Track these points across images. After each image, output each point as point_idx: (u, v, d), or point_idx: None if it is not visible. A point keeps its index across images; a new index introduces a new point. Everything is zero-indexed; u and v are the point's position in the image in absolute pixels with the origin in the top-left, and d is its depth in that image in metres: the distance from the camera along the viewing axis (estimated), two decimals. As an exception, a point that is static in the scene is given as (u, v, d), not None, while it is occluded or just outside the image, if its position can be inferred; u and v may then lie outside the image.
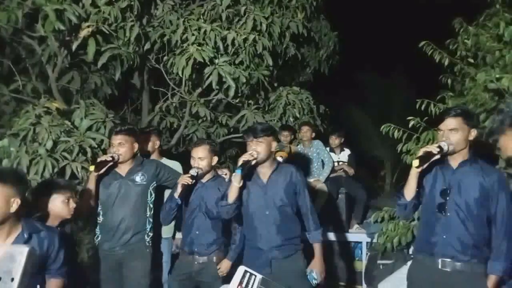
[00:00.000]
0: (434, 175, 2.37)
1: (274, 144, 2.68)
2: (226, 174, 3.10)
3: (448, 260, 2.27)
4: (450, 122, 2.26)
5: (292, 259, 2.67)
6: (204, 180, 2.98)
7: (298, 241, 2.72)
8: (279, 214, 2.67)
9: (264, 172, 2.71)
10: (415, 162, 2.24)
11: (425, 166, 2.26)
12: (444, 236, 2.28)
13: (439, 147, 2.24)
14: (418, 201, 2.42)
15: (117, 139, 2.96)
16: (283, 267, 2.63)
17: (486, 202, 2.26)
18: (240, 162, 2.57)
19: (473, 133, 2.27)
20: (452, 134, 2.25)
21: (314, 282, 2.66)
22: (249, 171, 2.66)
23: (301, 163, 4.45)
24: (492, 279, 2.22)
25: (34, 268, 1.32)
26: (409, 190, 2.36)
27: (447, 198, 2.29)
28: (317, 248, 2.72)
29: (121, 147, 2.96)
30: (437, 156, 2.24)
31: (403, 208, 2.43)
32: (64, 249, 2.17)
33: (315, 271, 2.66)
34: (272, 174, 2.71)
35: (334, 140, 5.05)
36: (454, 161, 2.33)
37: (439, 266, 2.27)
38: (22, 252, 1.19)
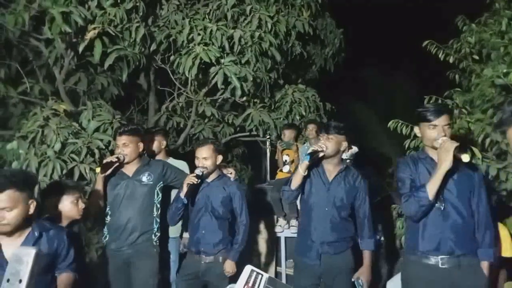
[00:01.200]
0: (421, 173, 2.36)
1: (345, 144, 2.77)
2: (231, 173, 3.11)
3: (447, 257, 2.27)
4: (446, 118, 2.29)
5: (342, 256, 2.77)
6: (209, 179, 3.00)
7: (350, 239, 2.81)
8: (337, 213, 2.76)
9: (331, 170, 2.80)
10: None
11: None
12: (442, 233, 2.28)
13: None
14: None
15: (121, 139, 2.98)
16: (332, 262, 2.73)
17: (472, 192, 2.33)
18: (310, 150, 2.65)
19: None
20: (447, 129, 2.29)
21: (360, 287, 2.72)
22: (316, 165, 2.77)
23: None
24: (486, 266, 2.29)
25: (42, 269, 1.33)
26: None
27: (442, 195, 2.29)
28: (367, 256, 2.78)
29: (125, 147, 2.98)
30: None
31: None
32: (73, 248, 2.20)
33: (362, 278, 2.72)
34: (338, 174, 2.79)
35: None
36: (436, 156, 2.31)
37: (439, 265, 2.27)
38: (29, 254, 1.21)
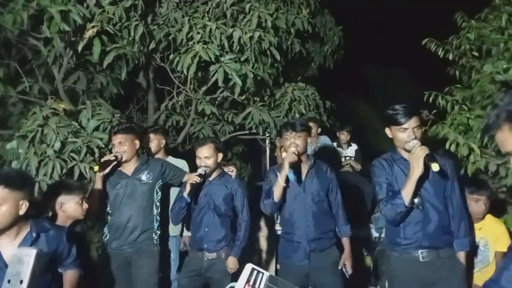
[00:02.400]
0: (396, 175, 2.40)
1: (309, 139, 2.87)
2: (232, 171, 3.13)
3: (427, 250, 2.34)
4: (416, 120, 2.33)
5: (329, 252, 2.84)
6: (210, 178, 3.02)
7: (333, 235, 2.88)
8: (317, 208, 2.81)
9: (302, 168, 2.81)
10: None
11: None
12: (420, 229, 2.35)
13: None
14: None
15: (117, 138, 3.00)
16: (321, 259, 2.78)
17: (446, 187, 2.39)
18: (286, 163, 2.62)
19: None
20: (417, 131, 2.32)
21: (347, 274, 2.88)
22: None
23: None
24: (462, 255, 2.38)
25: (43, 269, 1.33)
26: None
27: (420, 191, 2.33)
28: (346, 242, 2.92)
29: (121, 146, 3.00)
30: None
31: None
32: (76, 247, 2.20)
33: (347, 264, 2.85)
34: (309, 171, 2.83)
35: (342, 136, 5.06)
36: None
37: (420, 259, 2.34)
38: (30, 255, 1.21)
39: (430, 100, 3.39)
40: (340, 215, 2.90)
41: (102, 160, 2.93)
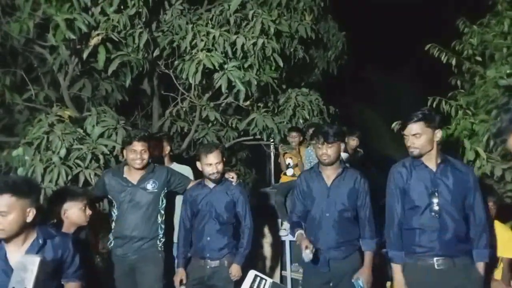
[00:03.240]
0: (414, 182, 2.41)
1: (343, 147, 2.78)
2: (232, 178, 3.08)
3: (442, 258, 2.32)
4: (413, 128, 2.35)
5: (350, 259, 2.76)
6: (211, 185, 2.99)
7: (357, 242, 2.79)
8: (339, 217, 2.74)
9: (329, 174, 2.78)
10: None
11: None
12: (436, 237, 2.33)
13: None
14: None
15: (141, 145, 2.93)
16: (341, 267, 2.72)
17: (465, 197, 2.37)
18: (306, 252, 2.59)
19: (438, 134, 2.36)
20: (416, 138, 2.34)
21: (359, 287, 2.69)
22: (314, 172, 2.82)
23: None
24: (481, 266, 2.35)
25: (49, 276, 1.34)
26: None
27: (436, 200, 2.34)
28: (368, 256, 2.75)
29: (145, 153, 2.95)
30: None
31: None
32: (80, 254, 2.21)
33: (362, 279, 2.68)
34: (337, 178, 2.77)
35: (352, 142, 5.01)
36: (431, 164, 2.39)
37: (435, 266, 2.33)
38: (34, 262, 1.22)
39: (434, 105, 3.39)
40: (367, 227, 2.74)
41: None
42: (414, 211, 2.40)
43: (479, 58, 3.57)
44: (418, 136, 2.33)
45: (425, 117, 2.34)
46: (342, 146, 2.75)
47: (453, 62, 3.59)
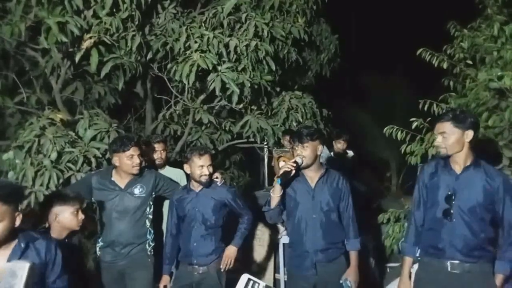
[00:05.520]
0: (437, 181, 2.40)
1: (320, 148, 2.75)
2: (217, 178, 3.05)
3: (457, 262, 2.30)
4: (440, 127, 2.32)
5: (336, 262, 2.76)
6: (197, 189, 2.97)
7: (342, 245, 2.79)
8: (325, 218, 2.74)
9: (312, 176, 2.77)
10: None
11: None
12: (451, 241, 2.31)
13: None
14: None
15: (136, 150, 2.91)
16: (328, 269, 2.72)
17: (491, 205, 2.29)
18: (280, 172, 2.62)
19: (469, 134, 2.27)
20: (444, 138, 2.30)
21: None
22: (296, 174, 2.75)
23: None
24: (499, 278, 2.29)
25: (36, 282, 1.33)
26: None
27: (452, 203, 2.32)
28: (353, 256, 2.77)
29: (138, 159, 2.92)
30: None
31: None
32: (68, 260, 2.17)
33: (349, 279, 2.71)
34: (320, 179, 2.76)
35: (339, 145, 5.08)
36: (457, 166, 2.35)
37: (449, 269, 2.31)
38: (23, 268, 1.21)
39: (425, 108, 3.41)
40: (351, 227, 2.78)
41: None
42: (431, 210, 2.40)
43: (470, 62, 3.61)
44: (446, 136, 2.29)
45: (454, 117, 2.29)
46: (320, 147, 2.73)
47: (444, 65, 3.62)
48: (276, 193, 2.66)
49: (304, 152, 2.67)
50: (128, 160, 2.90)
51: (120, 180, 2.98)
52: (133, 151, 2.90)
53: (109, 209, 2.95)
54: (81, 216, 2.54)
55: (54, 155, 3.16)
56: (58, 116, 3.47)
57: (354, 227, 2.79)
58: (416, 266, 2.55)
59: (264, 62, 4.37)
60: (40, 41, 3.63)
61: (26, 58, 4.22)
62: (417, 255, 2.49)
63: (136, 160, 2.91)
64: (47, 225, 2.51)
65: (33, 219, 2.64)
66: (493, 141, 3.07)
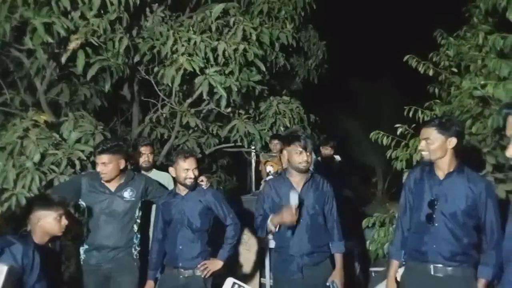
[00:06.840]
0: (421, 187, 2.43)
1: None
2: (202, 181, 3.02)
3: (440, 266, 2.33)
4: (424, 132, 2.36)
5: (322, 266, 2.77)
6: (183, 193, 2.95)
7: (327, 249, 2.81)
8: (311, 222, 2.74)
9: (297, 181, 2.77)
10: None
11: None
12: (434, 246, 2.34)
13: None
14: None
15: (101, 159, 2.84)
16: (314, 273, 2.72)
17: (474, 211, 2.32)
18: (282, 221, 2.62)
19: (452, 141, 2.30)
20: (427, 143, 2.34)
21: None
22: (282, 179, 2.82)
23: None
24: (482, 283, 2.30)
25: (15, 285, 1.30)
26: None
27: (435, 208, 2.35)
28: (338, 258, 2.79)
29: (105, 166, 2.84)
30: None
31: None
32: (51, 264, 2.13)
33: (336, 281, 2.73)
34: (306, 184, 2.77)
35: (326, 151, 5.10)
36: (440, 172, 2.39)
37: (432, 272, 2.34)
38: (1, 271, 1.18)
39: (410, 114, 3.45)
40: (335, 230, 2.80)
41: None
42: (416, 215, 2.44)
43: (455, 69, 3.66)
44: (429, 142, 2.32)
45: (440, 124, 2.32)
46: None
47: (430, 73, 3.67)
48: (272, 229, 2.69)
49: (309, 159, 2.71)
50: (98, 166, 2.86)
51: (110, 183, 2.94)
52: (100, 158, 2.85)
53: (98, 211, 2.90)
54: (64, 221, 2.47)
55: (37, 157, 3.11)
56: (42, 117, 3.42)
57: (338, 229, 2.82)
58: (401, 270, 2.57)
59: (253, 64, 4.38)
60: (25, 42, 3.58)
61: (11, 59, 4.16)
62: (403, 259, 2.53)
63: (101, 168, 2.85)
64: (28, 228, 2.46)
65: (13, 222, 2.58)
66: (476, 147, 3.12)
